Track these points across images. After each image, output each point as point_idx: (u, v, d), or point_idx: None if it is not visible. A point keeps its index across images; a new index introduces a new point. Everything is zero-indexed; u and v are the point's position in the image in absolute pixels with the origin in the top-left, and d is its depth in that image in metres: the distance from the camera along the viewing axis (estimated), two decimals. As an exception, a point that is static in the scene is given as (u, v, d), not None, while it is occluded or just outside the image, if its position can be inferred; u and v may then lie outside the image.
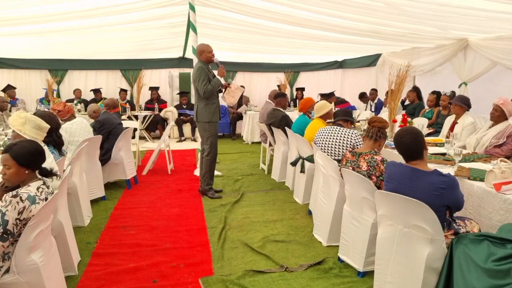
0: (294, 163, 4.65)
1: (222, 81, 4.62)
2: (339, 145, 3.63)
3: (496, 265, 1.90)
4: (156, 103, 9.24)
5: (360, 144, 3.54)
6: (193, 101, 9.06)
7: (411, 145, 2.35)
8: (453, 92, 6.10)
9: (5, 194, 2.12)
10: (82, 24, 6.04)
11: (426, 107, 6.51)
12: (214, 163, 4.86)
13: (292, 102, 10.02)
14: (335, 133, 3.69)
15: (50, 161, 2.70)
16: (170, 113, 9.21)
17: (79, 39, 7.28)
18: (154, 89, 9.58)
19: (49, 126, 3.00)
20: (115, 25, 6.24)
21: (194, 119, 4.77)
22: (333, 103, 7.21)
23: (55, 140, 3.33)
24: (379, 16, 4.90)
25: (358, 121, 5.96)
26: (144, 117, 8.81)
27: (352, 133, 3.63)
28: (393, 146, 3.89)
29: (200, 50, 4.60)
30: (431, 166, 2.56)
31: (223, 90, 4.80)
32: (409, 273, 2.33)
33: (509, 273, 1.85)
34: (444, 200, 2.24)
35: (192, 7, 5.71)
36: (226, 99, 4.85)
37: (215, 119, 4.66)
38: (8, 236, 2.06)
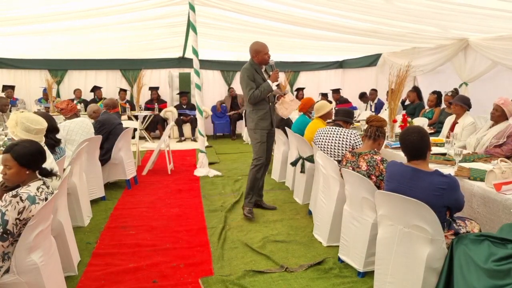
0: (294, 163, 4.65)
1: (274, 87, 4.07)
2: (338, 145, 3.62)
3: (496, 266, 1.90)
4: (156, 103, 9.23)
5: (359, 144, 3.54)
6: (193, 101, 9.14)
7: (417, 144, 2.34)
8: (456, 90, 6.10)
9: (5, 194, 2.12)
10: (82, 24, 6.04)
11: (426, 107, 6.51)
12: (262, 175, 4.23)
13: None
14: (334, 133, 3.69)
15: (50, 161, 2.69)
16: (170, 113, 9.22)
17: (79, 39, 7.28)
18: (154, 89, 9.58)
19: (38, 128, 2.83)
20: (115, 25, 6.24)
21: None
22: (333, 102, 7.19)
23: (47, 141, 3.19)
24: (379, 15, 4.90)
25: (358, 121, 5.96)
26: (144, 117, 8.81)
27: (351, 133, 3.63)
28: (394, 146, 3.92)
29: (255, 50, 4.03)
30: (432, 166, 2.56)
31: (277, 99, 4.27)
32: (409, 273, 2.33)
33: (509, 273, 1.85)
34: (444, 200, 2.24)
35: (192, 7, 5.71)
36: (278, 110, 4.28)
37: (263, 126, 4.07)
38: (8, 236, 2.06)
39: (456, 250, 2.17)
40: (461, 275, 2.08)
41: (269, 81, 4.02)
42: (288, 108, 4.25)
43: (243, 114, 9.63)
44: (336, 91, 9.24)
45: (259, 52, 4.02)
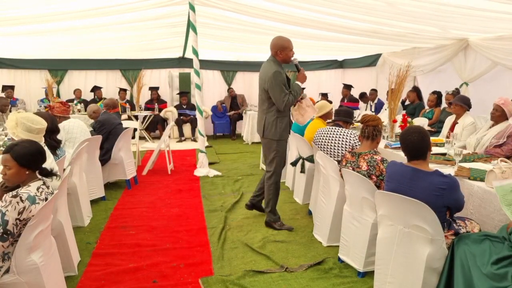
0: (294, 163, 4.65)
1: None
2: (338, 145, 3.62)
3: (495, 269, 1.91)
4: (156, 103, 9.24)
5: (359, 144, 3.53)
6: (193, 101, 9.14)
7: (417, 144, 2.33)
8: (457, 89, 6.10)
9: (5, 194, 2.12)
10: (82, 24, 6.04)
11: (426, 107, 6.51)
12: (278, 189, 3.86)
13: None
14: (334, 133, 3.69)
15: (50, 161, 2.69)
16: (170, 113, 9.22)
17: (79, 39, 7.28)
18: (154, 89, 9.58)
19: (39, 127, 2.85)
20: (115, 25, 6.24)
21: (259, 134, 3.80)
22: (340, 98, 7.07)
23: (49, 142, 3.21)
24: (379, 15, 4.90)
25: (358, 121, 5.96)
26: (144, 117, 8.81)
27: (351, 134, 3.63)
28: (394, 146, 3.91)
29: (281, 46, 3.56)
30: (432, 166, 2.56)
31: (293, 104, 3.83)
32: (409, 273, 2.33)
33: (506, 276, 1.86)
34: (444, 200, 2.24)
35: (192, 7, 5.71)
36: (293, 116, 3.92)
37: (285, 136, 3.74)
38: (8, 236, 2.06)
39: (457, 250, 2.17)
40: (462, 274, 2.08)
41: (298, 82, 3.65)
42: (304, 115, 3.85)
43: (243, 114, 9.63)
44: (347, 87, 9.09)
45: (285, 49, 3.54)
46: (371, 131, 3.01)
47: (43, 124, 2.89)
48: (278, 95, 3.49)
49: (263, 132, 3.70)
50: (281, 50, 3.56)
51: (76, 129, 4.39)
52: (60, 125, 4.22)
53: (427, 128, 5.37)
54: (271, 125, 3.64)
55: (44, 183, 2.32)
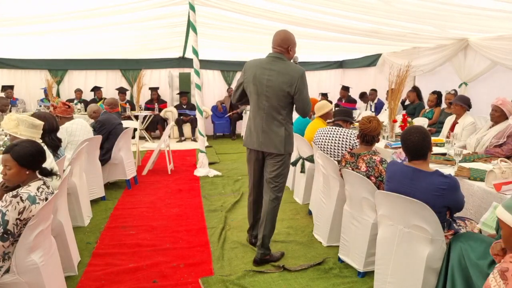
0: (294, 163, 4.64)
1: None
2: (338, 145, 3.62)
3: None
4: (156, 103, 9.23)
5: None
6: (193, 101, 9.14)
7: (418, 144, 2.33)
8: (454, 90, 6.11)
9: (5, 194, 2.12)
10: (82, 24, 6.04)
11: (426, 107, 6.52)
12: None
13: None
14: (334, 133, 3.69)
15: (50, 161, 2.70)
16: (170, 113, 9.22)
17: (79, 39, 7.27)
18: (154, 89, 9.58)
19: (39, 123, 2.91)
20: (115, 25, 6.24)
21: (273, 152, 3.09)
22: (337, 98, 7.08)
23: (49, 142, 3.23)
24: (379, 15, 4.90)
25: (358, 122, 5.96)
26: (144, 117, 8.81)
27: (351, 134, 3.62)
28: (394, 146, 3.92)
29: (294, 42, 3.06)
30: (432, 166, 2.56)
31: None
32: (409, 274, 2.33)
33: None
34: (444, 201, 2.24)
35: (192, 7, 5.71)
36: None
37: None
38: (9, 236, 2.07)
39: (453, 249, 2.17)
40: (460, 273, 2.08)
41: None
42: None
43: (243, 114, 9.62)
44: (345, 89, 9.16)
45: (295, 45, 3.08)
46: (370, 138, 3.01)
47: (41, 122, 2.95)
48: (308, 98, 3.01)
49: (284, 147, 3.06)
50: (294, 45, 3.06)
51: (79, 131, 4.38)
52: (63, 127, 4.23)
53: (427, 128, 5.38)
54: (290, 136, 3.10)
55: (44, 183, 2.32)
